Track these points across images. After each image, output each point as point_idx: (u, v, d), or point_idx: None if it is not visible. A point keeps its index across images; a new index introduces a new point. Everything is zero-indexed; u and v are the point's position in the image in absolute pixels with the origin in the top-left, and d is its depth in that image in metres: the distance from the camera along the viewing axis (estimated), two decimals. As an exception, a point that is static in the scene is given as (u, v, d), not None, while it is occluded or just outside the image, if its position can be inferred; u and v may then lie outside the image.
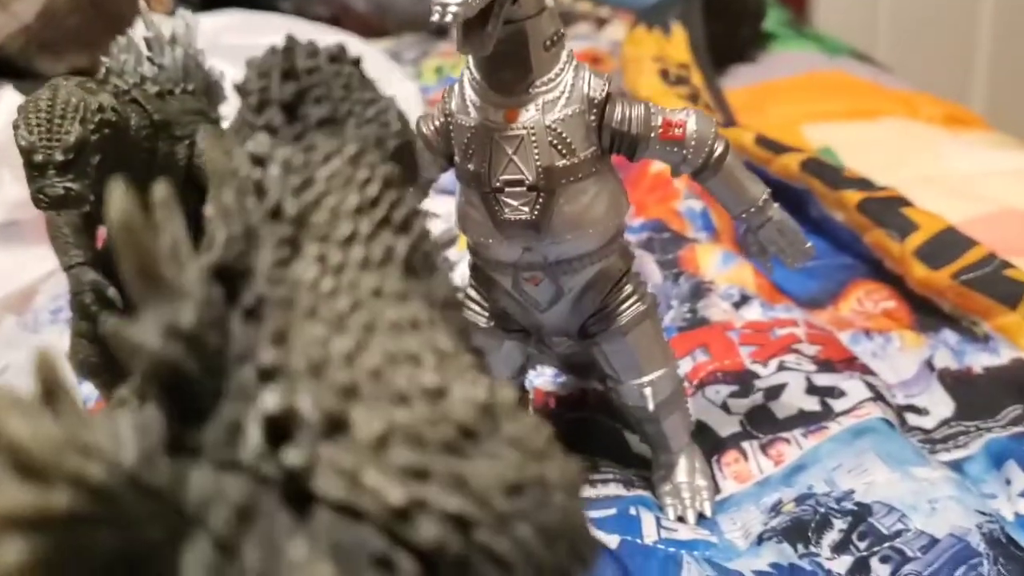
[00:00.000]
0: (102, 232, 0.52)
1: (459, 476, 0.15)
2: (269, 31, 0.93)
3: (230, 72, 0.79)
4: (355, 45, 0.93)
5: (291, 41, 0.24)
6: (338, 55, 0.23)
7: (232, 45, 0.85)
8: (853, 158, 0.79)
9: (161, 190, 0.17)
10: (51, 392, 0.14)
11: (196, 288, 0.16)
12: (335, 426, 0.15)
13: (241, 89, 0.22)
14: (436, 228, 0.76)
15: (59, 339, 0.57)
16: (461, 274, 0.69)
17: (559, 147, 0.40)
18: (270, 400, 0.15)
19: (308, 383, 0.15)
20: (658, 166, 0.78)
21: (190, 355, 0.15)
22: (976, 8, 1.80)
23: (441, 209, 0.80)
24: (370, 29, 1.27)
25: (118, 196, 0.15)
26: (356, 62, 0.24)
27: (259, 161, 0.19)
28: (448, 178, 0.82)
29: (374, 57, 0.92)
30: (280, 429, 0.15)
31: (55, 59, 1.02)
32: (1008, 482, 0.46)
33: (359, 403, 0.15)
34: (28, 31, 1.01)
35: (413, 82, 0.95)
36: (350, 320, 0.17)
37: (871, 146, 0.84)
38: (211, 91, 0.53)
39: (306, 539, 0.14)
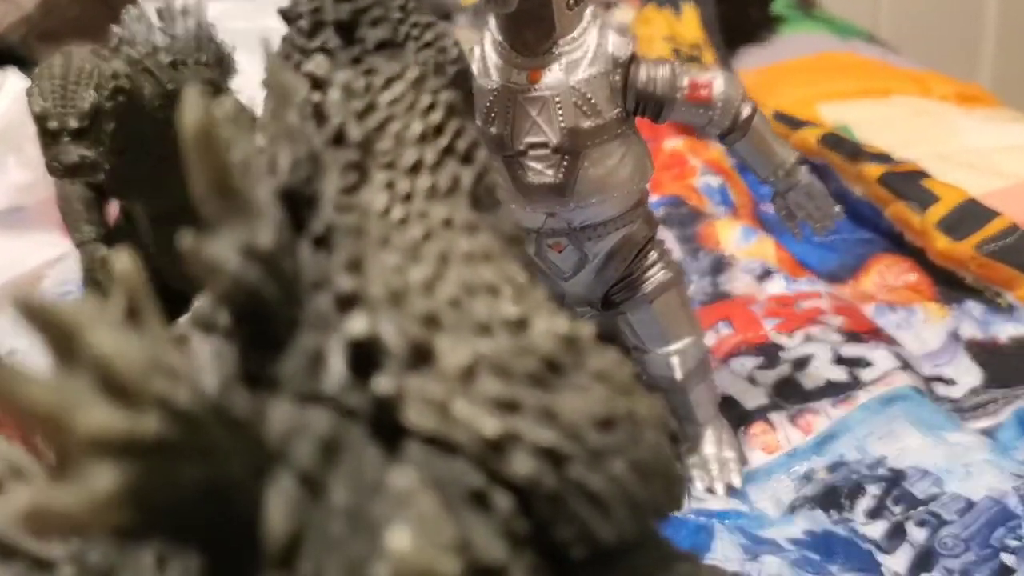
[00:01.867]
0: (113, 208, 0.52)
1: (549, 409, 0.14)
2: (273, 14, 0.93)
3: (239, 59, 0.78)
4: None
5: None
6: None
7: (238, 28, 0.85)
8: (868, 136, 0.78)
9: (228, 104, 0.16)
10: (135, 309, 0.13)
11: (271, 209, 0.15)
12: (420, 355, 0.14)
13: (289, 13, 0.21)
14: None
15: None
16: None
17: (584, 108, 0.39)
18: (355, 326, 0.14)
19: (389, 311, 0.15)
20: (673, 143, 0.77)
21: (268, 278, 0.14)
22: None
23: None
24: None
25: (193, 101, 0.14)
26: None
27: (318, 84, 0.18)
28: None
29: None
30: (364, 359, 0.14)
31: (56, 49, 1.02)
32: (1041, 448, 0.45)
33: (442, 332, 0.15)
34: (29, 20, 1.00)
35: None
36: (424, 249, 0.16)
37: (885, 124, 0.83)
38: (223, 63, 0.52)
39: (410, 470, 0.13)
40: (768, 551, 0.39)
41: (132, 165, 0.43)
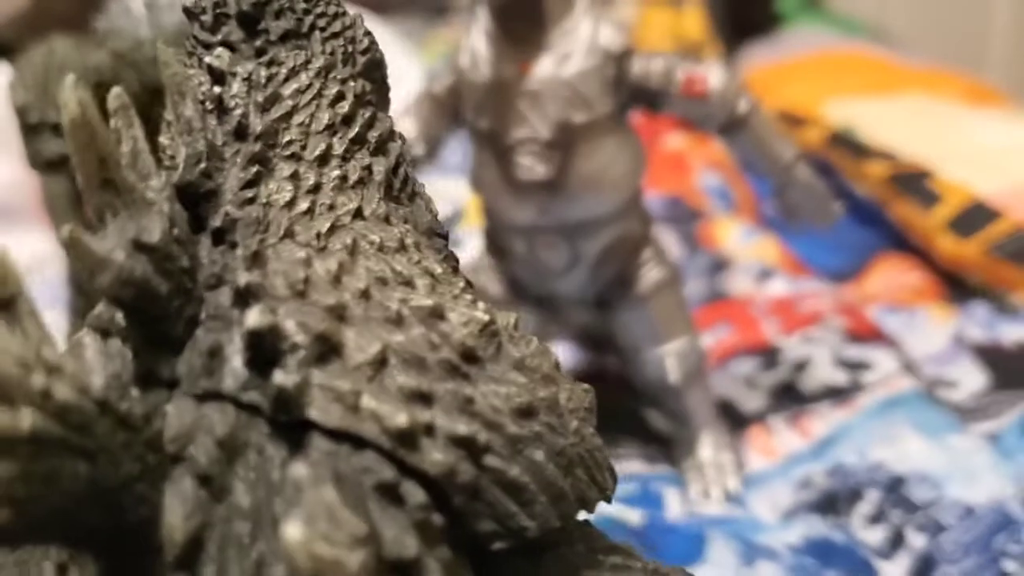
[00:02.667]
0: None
1: (465, 399, 0.14)
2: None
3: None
4: (368, 22, 0.92)
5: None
6: None
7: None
8: (875, 133, 0.77)
9: (117, 96, 0.15)
10: (10, 301, 0.13)
11: (162, 201, 0.15)
12: (326, 349, 0.14)
13: (191, 9, 0.20)
14: (442, 209, 0.74)
15: (57, 321, 0.55)
16: (472, 248, 0.68)
17: (576, 102, 0.38)
18: (252, 318, 0.14)
19: (292, 305, 0.14)
20: (673, 143, 0.76)
21: (158, 271, 0.14)
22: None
23: (446, 188, 0.78)
24: (372, 4, 1.26)
25: (70, 92, 0.14)
26: None
27: (219, 77, 0.18)
28: (452, 158, 0.81)
29: (382, 33, 0.90)
30: (265, 354, 0.14)
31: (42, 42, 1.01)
32: (1047, 453, 0.43)
33: (350, 325, 0.14)
34: (24, 16, 1.00)
35: (417, 58, 0.94)
36: (331, 241, 0.16)
37: (893, 122, 0.82)
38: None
39: (307, 463, 0.13)
40: (764, 557, 0.38)
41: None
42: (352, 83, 0.19)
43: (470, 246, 0.67)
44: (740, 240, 0.63)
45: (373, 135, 0.18)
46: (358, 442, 0.13)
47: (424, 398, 0.14)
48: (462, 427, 0.14)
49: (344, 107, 0.18)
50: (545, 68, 0.38)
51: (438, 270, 0.16)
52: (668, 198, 0.68)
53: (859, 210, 0.67)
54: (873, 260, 0.63)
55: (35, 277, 0.66)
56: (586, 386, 0.16)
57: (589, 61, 0.38)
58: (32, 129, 0.39)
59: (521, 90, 0.38)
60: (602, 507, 0.41)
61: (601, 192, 0.40)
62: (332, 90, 0.18)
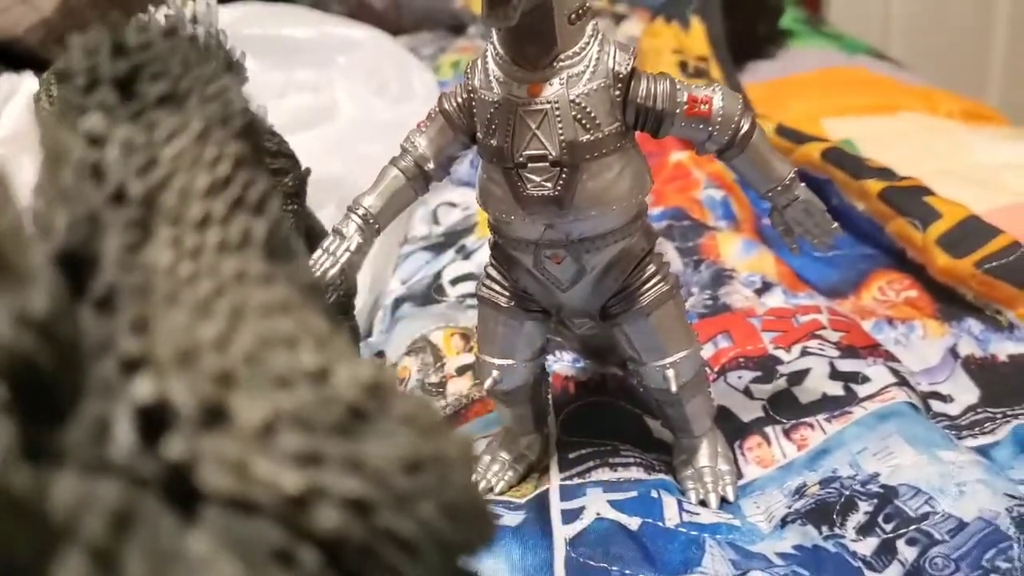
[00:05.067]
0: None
1: (354, 458, 0.14)
2: (289, 22, 0.94)
3: (250, 64, 0.78)
4: (378, 38, 0.93)
5: (118, 19, 0.22)
6: (172, 31, 0.22)
7: (251, 35, 0.86)
8: (874, 151, 0.78)
9: None
10: None
11: (43, 274, 0.14)
12: (214, 415, 0.14)
13: (64, 72, 0.20)
14: (454, 217, 0.76)
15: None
16: (479, 261, 0.69)
17: (583, 121, 0.40)
18: (141, 390, 0.14)
19: (178, 372, 0.14)
20: (678, 156, 0.78)
21: (44, 346, 0.13)
22: (991, 4, 1.79)
23: (459, 199, 0.80)
24: (386, 26, 1.28)
25: None
26: (192, 39, 0.22)
27: (95, 141, 0.18)
28: (465, 170, 0.82)
29: (394, 49, 0.92)
30: (153, 423, 0.14)
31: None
32: (1036, 468, 0.45)
33: (238, 389, 0.14)
34: (47, 24, 1.02)
35: (431, 74, 0.95)
36: (215, 305, 0.16)
37: (891, 140, 0.83)
38: (233, 70, 0.52)
39: (206, 535, 0.13)
40: (758, 566, 0.39)
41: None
42: (229, 145, 0.19)
43: (480, 256, 0.68)
44: (740, 254, 0.64)
45: (252, 196, 0.18)
46: (251, 508, 0.13)
47: (314, 460, 0.14)
48: (352, 487, 0.14)
49: (223, 169, 0.18)
50: (554, 89, 0.39)
51: (322, 329, 0.16)
52: (672, 210, 0.70)
53: (858, 226, 0.68)
54: (870, 276, 0.65)
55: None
56: (469, 436, 0.17)
57: (596, 82, 0.40)
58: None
59: (530, 109, 0.40)
60: (603, 512, 0.43)
61: (606, 209, 0.41)
62: (210, 153, 0.18)
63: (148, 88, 0.19)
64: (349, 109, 0.81)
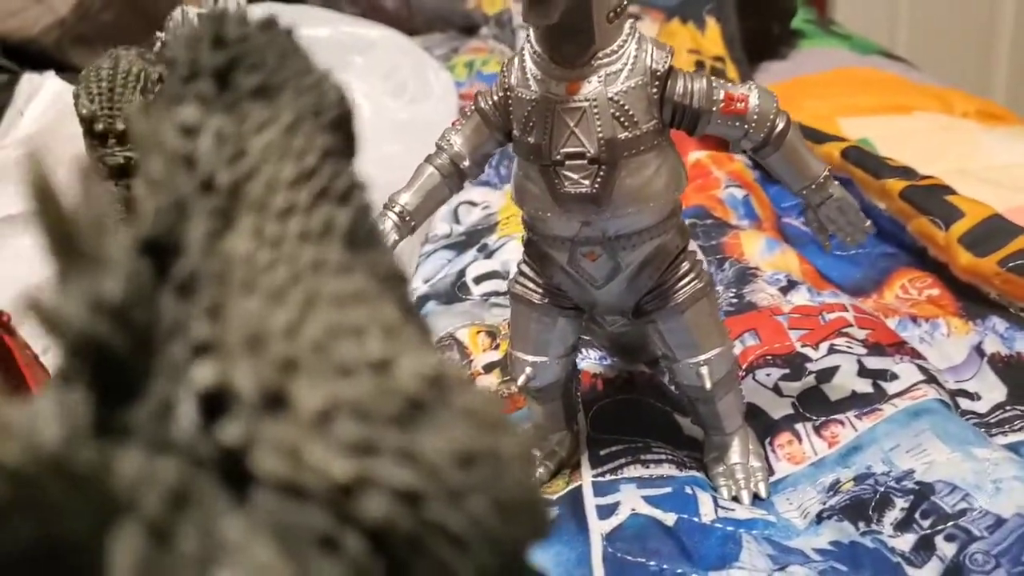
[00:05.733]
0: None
1: (408, 449, 0.14)
2: (307, 23, 0.94)
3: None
4: (394, 37, 0.93)
5: (219, 9, 0.23)
6: (270, 23, 0.22)
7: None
8: (890, 150, 0.78)
9: (83, 160, 0.16)
10: None
11: (123, 260, 0.15)
12: (275, 401, 0.14)
13: (169, 61, 0.21)
14: (475, 217, 0.76)
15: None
16: (505, 256, 0.69)
17: (621, 119, 0.40)
18: (202, 373, 0.14)
19: (245, 357, 0.15)
20: (697, 155, 0.78)
21: (118, 331, 0.14)
22: (997, 3, 1.79)
23: (479, 199, 0.80)
24: (399, 26, 1.28)
25: (32, 161, 0.14)
26: (289, 32, 0.23)
27: (189, 132, 0.18)
28: (489, 171, 0.82)
29: (410, 48, 0.92)
30: (216, 406, 0.14)
31: (89, 53, 1.03)
32: (1068, 464, 0.45)
33: (300, 377, 0.14)
34: (63, 24, 1.02)
35: (447, 73, 0.95)
36: (289, 293, 0.16)
37: (907, 139, 0.84)
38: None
39: (243, 518, 0.13)
40: (796, 561, 0.39)
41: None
42: (318, 137, 0.19)
43: (503, 254, 0.69)
44: (764, 252, 0.64)
45: (338, 187, 0.18)
46: (301, 494, 0.14)
47: (368, 449, 0.14)
48: (404, 477, 0.14)
49: (310, 161, 0.18)
50: (592, 87, 0.40)
51: (394, 319, 0.16)
52: (695, 209, 0.70)
53: (880, 225, 0.68)
54: (892, 275, 0.65)
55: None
56: (531, 432, 0.17)
57: (634, 80, 0.40)
58: (97, 138, 0.41)
59: (568, 107, 0.40)
60: (638, 507, 0.43)
61: (643, 207, 0.41)
62: (298, 144, 0.19)
63: (244, 80, 0.19)
64: (366, 109, 0.81)
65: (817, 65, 1.08)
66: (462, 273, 0.69)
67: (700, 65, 0.87)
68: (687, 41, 0.93)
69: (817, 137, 0.73)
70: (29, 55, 0.95)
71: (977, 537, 0.39)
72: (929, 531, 0.40)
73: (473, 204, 0.79)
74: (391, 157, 0.58)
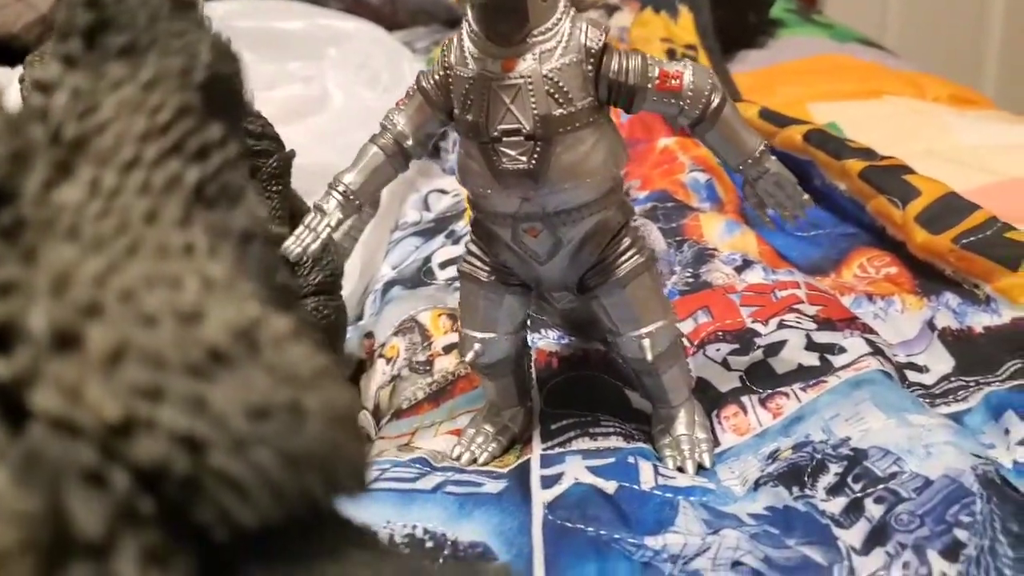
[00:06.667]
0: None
1: (198, 398, 0.15)
2: (283, 16, 0.95)
3: (244, 54, 0.79)
4: (368, 29, 0.94)
5: None
6: None
7: (245, 28, 0.87)
8: (858, 133, 0.79)
9: None
10: None
11: None
12: (67, 341, 0.14)
13: (53, 23, 0.22)
14: (444, 204, 0.77)
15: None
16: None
17: (556, 96, 0.41)
18: None
19: (46, 298, 0.15)
20: (666, 142, 0.79)
21: None
22: (987, -3, 1.80)
23: (449, 187, 0.81)
24: (382, 20, 1.29)
25: None
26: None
27: (45, 88, 0.19)
28: (455, 158, 0.83)
29: (385, 40, 0.93)
30: (6, 342, 0.15)
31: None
32: (1007, 432, 0.46)
33: (99, 321, 0.15)
34: (44, 21, 1.03)
35: (421, 63, 0.96)
36: (111, 242, 0.16)
37: (876, 122, 0.84)
38: (204, 27, 0.54)
39: None
40: (730, 525, 0.40)
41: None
42: (177, 95, 0.19)
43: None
44: (723, 234, 0.65)
45: (193, 144, 0.19)
46: (75, 431, 0.14)
47: (153, 394, 0.14)
48: (184, 423, 0.14)
49: (163, 117, 0.19)
50: (527, 64, 0.41)
51: (221, 274, 0.17)
52: (657, 193, 0.71)
53: (841, 206, 0.69)
54: (851, 254, 0.66)
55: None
56: (351, 393, 0.17)
57: (568, 57, 0.41)
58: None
59: (504, 84, 0.41)
60: (581, 477, 0.44)
61: (581, 182, 0.42)
62: (154, 101, 0.19)
63: (111, 40, 0.20)
64: (339, 99, 0.82)
65: (795, 53, 1.09)
66: (428, 259, 0.70)
67: (672, 53, 0.88)
68: (659, 30, 0.94)
69: (780, 120, 0.73)
70: (10, 52, 0.96)
71: (904, 499, 0.39)
72: (859, 494, 0.41)
73: (443, 192, 0.80)
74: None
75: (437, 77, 0.44)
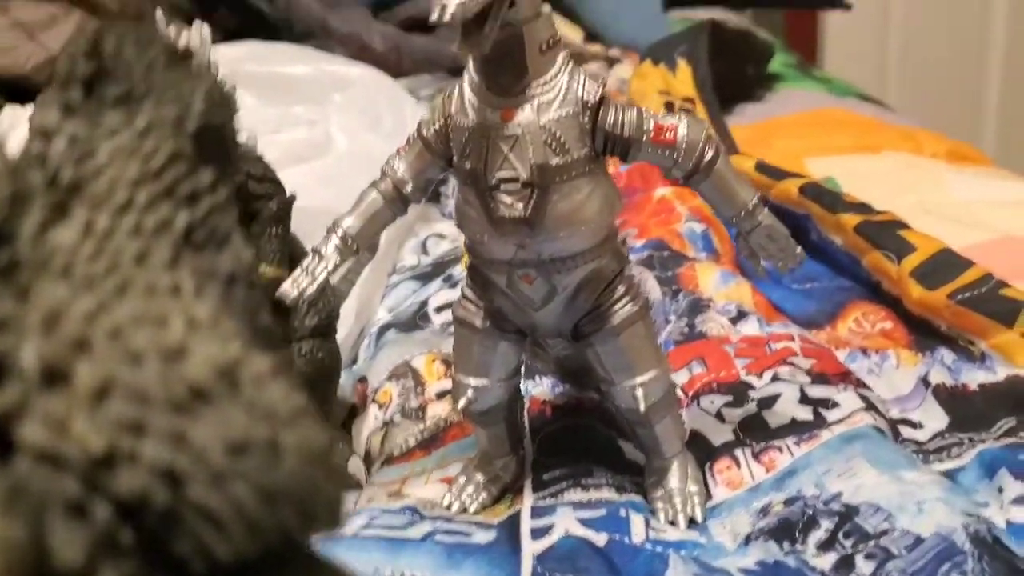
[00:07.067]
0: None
1: (179, 433, 0.15)
2: (289, 61, 0.96)
3: (249, 100, 0.81)
4: (372, 75, 0.96)
5: (103, 26, 0.24)
6: (147, 40, 0.24)
7: (252, 72, 0.88)
8: (855, 188, 0.80)
9: None
10: None
11: None
12: (55, 377, 0.15)
13: (55, 72, 0.22)
14: (443, 248, 0.77)
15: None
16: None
17: (553, 146, 0.41)
18: None
19: (37, 334, 0.15)
20: (662, 191, 0.79)
21: None
22: (985, 53, 1.82)
23: (448, 231, 0.82)
24: (388, 68, 1.31)
25: None
26: (167, 49, 0.24)
27: (46, 134, 0.20)
28: (454, 203, 0.84)
29: (388, 85, 0.95)
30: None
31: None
32: (1000, 490, 0.46)
33: (87, 358, 0.15)
34: (55, 62, 1.05)
35: (424, 110, 0.98)
36: (102, 282, 0.17)
37: (873, 177, 0.85)
38: (225, 102, 0.54)
39: None
40: (720, 579, 0.40)
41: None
42: (170, 142, 0.20)
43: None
44: (718, 284, 0.65)
45: (184, 189, 0.20)
46: (59, 463, 0.14)
47: (137, 429, 0.15)
48: (165, 456, 0.15)
49: (156, 163, 0.20)
50: (525, 115, 0.41)
51: (205, 314, 0.17)
52: (654, 242, 0.71)
53: (836, 260, 0.69)
54: (846, 308, 0.66)
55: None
56: (329, 432, 0.17)
57: (566, 109, 0.42)
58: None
59: (503, 134, 0.41)
60: (572, 529, 0.43)
61: (576, 230, 0.43)
62: (148, 147, 0.20)
63: (108, 89, 0.21)
64: (343, 143, 0.83)
65: (793, 107, 1.10)
66: (425, 303, 0.70)
67: (670, 106, 0.89)
68: (658, 82, 0.95)
69: (777, 174, 0.74)
70: (20, 92, 0.97)
71: (895, 556, 0.39)
72: (851, 551, 0.40)
73: (442, 237, 0.81)
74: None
75: (437, 126, 0.45)
